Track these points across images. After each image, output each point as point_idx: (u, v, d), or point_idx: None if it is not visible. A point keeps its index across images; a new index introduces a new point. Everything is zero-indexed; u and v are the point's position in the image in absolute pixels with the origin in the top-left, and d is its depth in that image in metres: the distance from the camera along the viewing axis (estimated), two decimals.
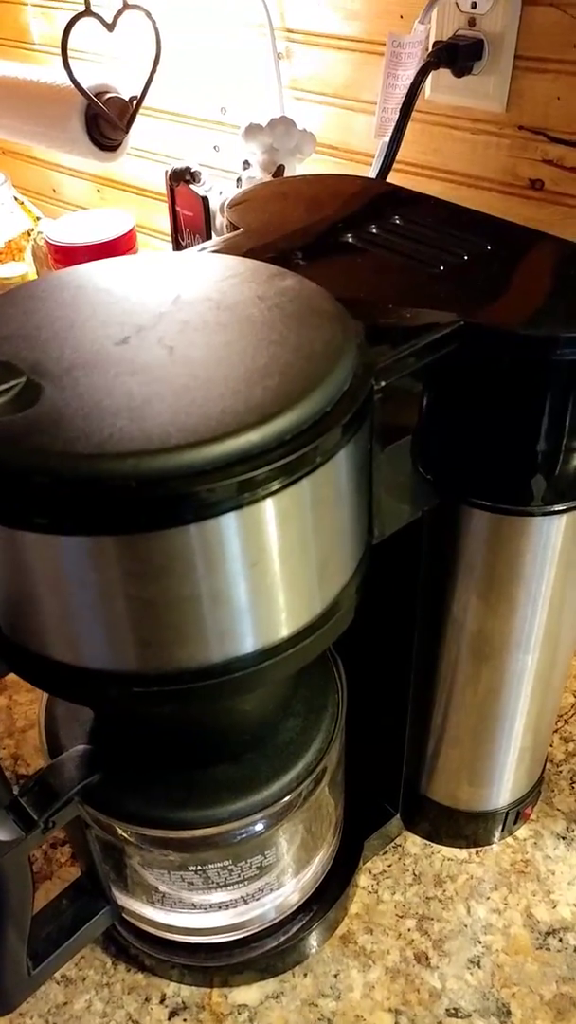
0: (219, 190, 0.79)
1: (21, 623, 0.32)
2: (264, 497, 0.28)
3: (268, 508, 0.28)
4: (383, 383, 0.32)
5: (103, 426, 0.26)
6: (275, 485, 0.28)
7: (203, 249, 0.41)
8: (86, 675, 0.31)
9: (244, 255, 0.39)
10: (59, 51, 0.69)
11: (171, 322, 0.32)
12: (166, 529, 0.27)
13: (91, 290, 0.34)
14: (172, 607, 0.29)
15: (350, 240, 0.42)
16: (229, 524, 0.28)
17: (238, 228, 0.44)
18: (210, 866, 0.42)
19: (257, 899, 0.46)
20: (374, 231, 0.43)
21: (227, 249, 0.41)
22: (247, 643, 0.31)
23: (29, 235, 1.02)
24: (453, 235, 0.42)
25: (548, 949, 0.49)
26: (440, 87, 0.71)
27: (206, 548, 0.28)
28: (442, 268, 0.39)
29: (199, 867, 0.42)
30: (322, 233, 0.43)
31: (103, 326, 0.32)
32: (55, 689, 0.36)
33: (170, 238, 0.88)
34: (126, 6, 0.70)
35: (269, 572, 0.30)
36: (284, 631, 0.32)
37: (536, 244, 0.42)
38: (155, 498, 0.26)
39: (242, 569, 0.29)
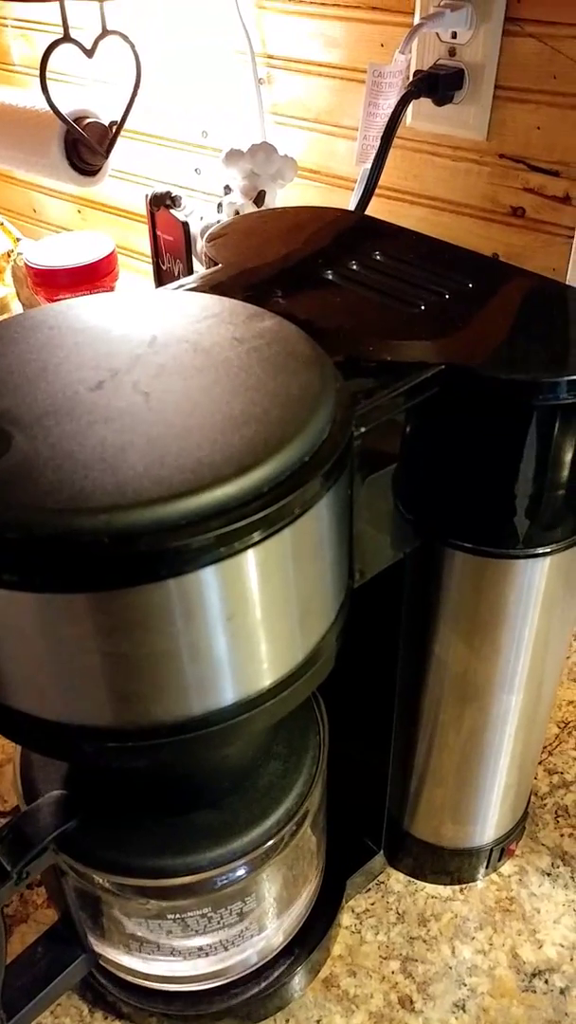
0: (200, 215, 0.79)
1: None
2: (242, 550, 0.27)
3: (246, 561, 0.28)
4: (363, 429, 0.32)
5: (75, 478, 0.26)
6: (253, 538, 0.27)
7: (181, 286, 0.41)
8: (60, 729, 0.30)
9: (223, 292, 0.38)
10: (37, 72, 0.68)
11: (147, 366, 0.31)
12: (140, 585, 0.26)
13: (66, 330, 0.34)
14: (148, 662, 0.28)
15: (330, 277, 0.42)
16: (206, 578, 0.27)
17: (217, 263, 0.43)
18: (189, 914, 0.41)
19: (237, 945, 0.45)
20: (354, 267, 0.42)
21: (206, 285, 0.41)
22: (226, 695, 0.30)
23: (9, 256, 1.01)
24: (434, 272, 0.42)
25: (534, 991, 0.48)
26: (421, 115, 0.72)
27: (182, 603, 0.27)
28: (423, 307, 0.39)
29: (178, 915, 0.41)
30: (301, 269, 0.42)
31: (77, 369, 0.31)
32: (28, 742, 0.35)
33: (151, 261, 0.88)
34: (105, 32, 0.70)
35: (248, 624, 0.29)
36: (264, 682, 0.31)
37: (518, 282, 0.41)
38: (129, 554, 0.25)
39: (220, 622, 0.29)
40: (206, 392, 0.29)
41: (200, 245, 0.78)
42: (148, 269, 0.92)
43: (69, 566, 0.25)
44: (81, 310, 0.35)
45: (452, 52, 0.68)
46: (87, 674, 0.29)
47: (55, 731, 0.31)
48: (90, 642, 0.28)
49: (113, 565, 0.25)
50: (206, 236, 0.46)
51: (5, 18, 1.01)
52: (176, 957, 0.44)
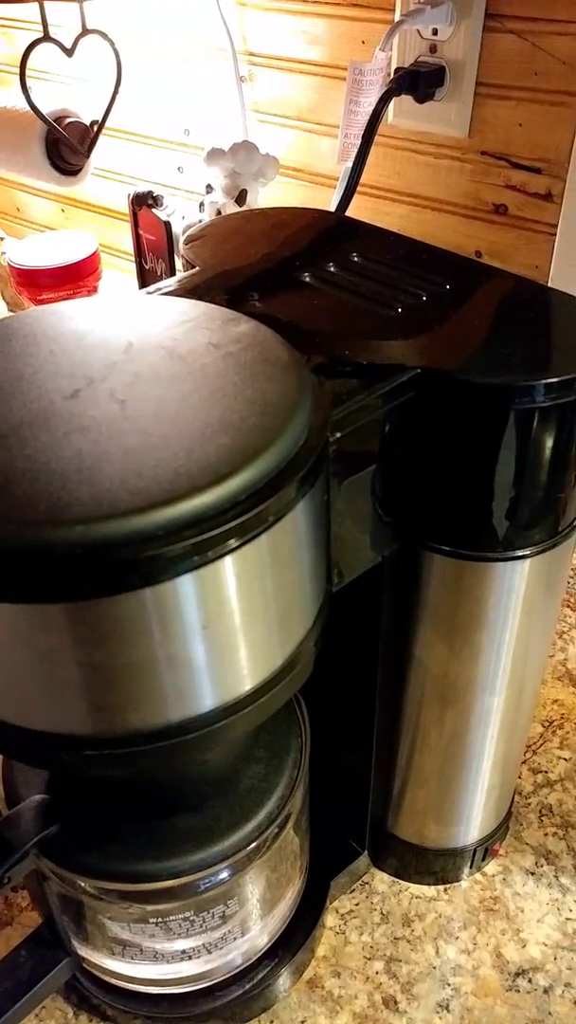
0: (182, 214, 0.79)
1: None
2: (218, 558, 0.27)
3: (223, 569, 0.28)
4: (339, 434, 0.32)
5: (51, 490, 0.26)
6: (229, 545, 0.27)
7: (159, 289, 0.41)
8: (37, 738, 0.30)
9: (201, 295, 0.38)
10: (17, 71, 0.68)
11: (122, 373, 0.31)
12: (116, 595, 0.26)
13: (41, 338, 0.33)
14: (125, 671, 0.28)
15: (307, 279, 0.41)
16: (183, 587, 0.27)
17: (195, 266, 0.43)
18: (172, 917, 0.41)
19: (221, 948, 0.45)
20: (332, 269, 0.42)
21: (183, 289, 0.41)
22: (205, 702, 0.30)
23: None
24: (412, 274, 0.42)
25: (517, 990, 0.48)
26: (402, 113, 0.72)
27: (159, 612, 0.27)
28: (400, 310, 0.39)
29: (160, 919, 0.41)
30: (279, 272, 0.42)
31: (52, 378, 0.31)
32: (6, 751, 0.35)
33: (134, 260, 0.87)
34: (85, 31, 0.69)
35: (226, 631, 0.29)
36: (243, 687, 0.31)
37: (496, 283, 0.41)
38: (104, 565, 0.25)
39: (198, 630, 0.29)
40: (183, 400, 0.29)
41: (182, 245, 0.78)
42: (131, 268, 0.91)
43: (45, 578, 0.25)
44: (57, 317, 0.35)
45: (433, 49, 0.68)
46: (64, 683, 0.29)
47: (33, 740, 0.30)
48: (66, 652, 0.28)
49: (89, 576, 0.25)
50: (184, 238, 0.46)
51: None
52: (160, 960, 0.44)
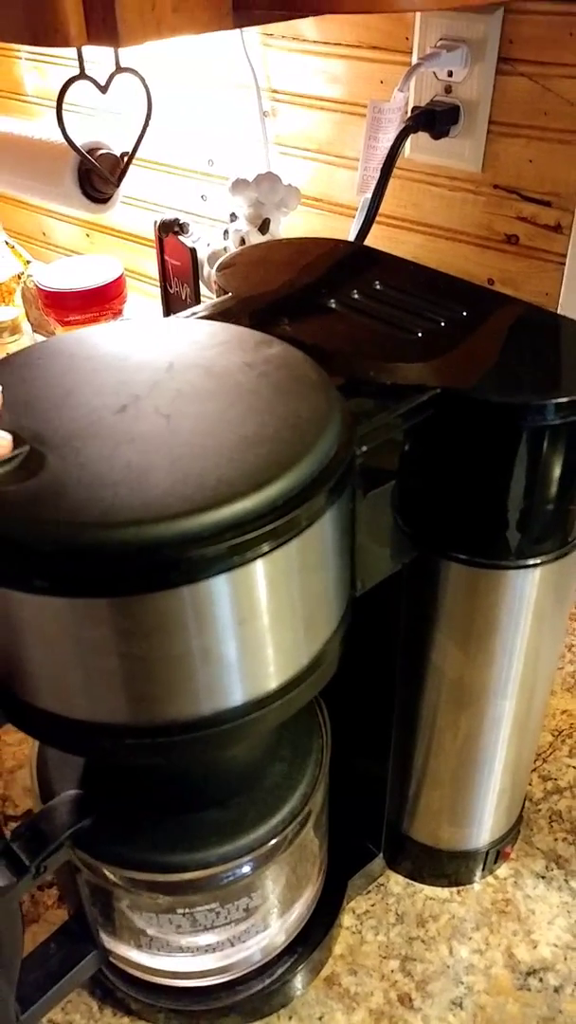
0: (206, 241, 0.82)
1: (18, 677, 0.33)
2: (253, 559, 0.29)
3: (257, 570, 0.30)
4: (364, 448, 0.34)
5: (104, 495, 0.28)
6: (264, 548, 0.29)
7: (193, 314, 0.44)
8: (80, 727, 0.33)
9: (233, 320, 0.41)
10: (51, 103, 0.72)
11: (165, 390, 0.33)
12: (161, 591, 0.29)
13: (86, 358, 0.36)
14: (164, 663, 0.31)
15: (332, 305, 0.44)
16: (220, 586, 0.29)
17: (227, 292, 0.46)
18: (198, 909, 0.43)
19: (243, 941, 0.46)
20: (355, 296, 0.45)
21: (217, 314, 0.43)
22: (236, 696, 0.33)
23: (19, 278, 1.04)
24: (430, 301, 0.44)
25: (529, 989, 0.50)
26: (419, 148, 0.75)
27: (197, 608, 0.30)
28: (420, 334, 0.41)
29: (187, 910, 0.43)
30: (306, 298, 0.45)
31: (99, 395, 0.33)
32: (50, 740, 0.37)
33: (158, 284, 0.90)
34: (119, 69, 0.73)
35: (257, 629, 0.32)
36: (271, 684, 0.34)
37: (509, 310, 0.44)
38: (153, 563, 0.28)
39: (232, 626, 0.31)
40: (221, 415, 0.32)
41: (207, 270, 0.81)
42: (155, 292, 0.95)
43: (100, 575, 0.28)
44: (100, 338, 0.38)
45: (448, 89, 0.71)
46: (108, 675, 0.31)
47: (76, 729, 0.33)
48: (113, 645, 0.30)
49: (139, 573, 0.28)
50: (216, 265, 0.49)
51: (19, 50, 1.04)
52: (184, 953, 0.46)
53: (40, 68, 1.03)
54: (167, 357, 0.36)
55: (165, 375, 0.34)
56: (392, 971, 0.51)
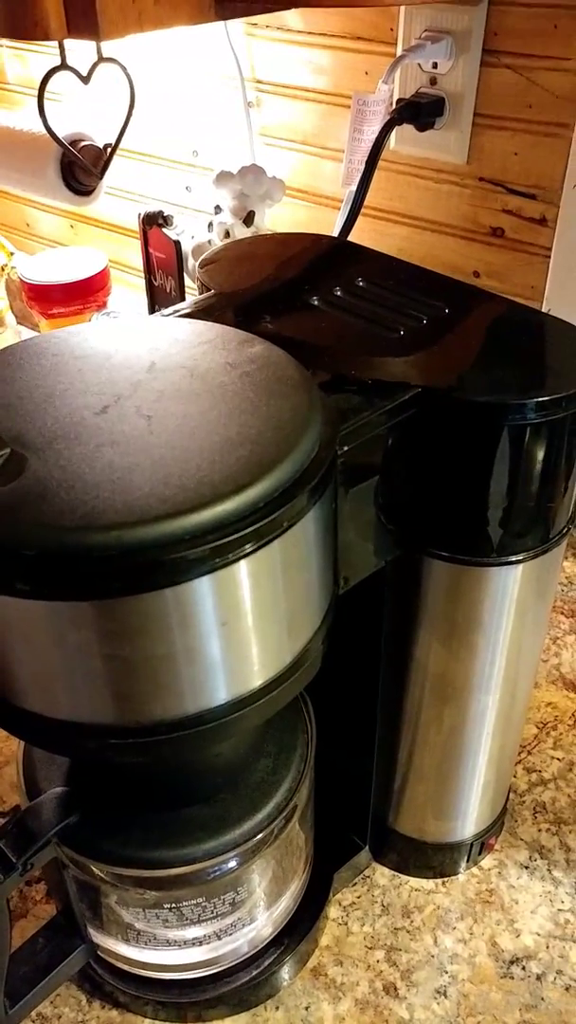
0: (191, 233, 0.82)
1: (2, 677, 0.33)
2: (235, 561, 0.29)
3: (239, 571, 0.30)
4: (346, 447, 0.35)
5: (87, 498, 0.28)
6: (247, 549, 0.29)
7: (176, 311, 0.43)
8: (66, 728, 0.33)
9: (216, 318, 0.41)
10: (32, 91, 0.71)
11: (147, 391, 0.33)
12: (144, 593, 0.29)
13: (69, 357, 0.36)
14: (148, 664, 0.31)
15: (315, 302, 0.44)
16: (202, 587, 0.30)
17: (209, 288, 0.46)
18: (184, 903, 0.44)
19: (230, 934, 0.47)
20: (338, 293, 0.45)
21: (199, 312, 0.43)
22: (220, 695, 0.33)
23: (3, 270, 1.03)
24: (413, 298, 0.44)
25: (512, 978, 0.51)
26: (404, 140, 0.75)
27: (180, 609, 0.30)
28: (402, 332, 0.41)
29: (174, 904, 0.44)
30: (289, 296, 0.45)
31: (82, 395, 0.33)
32: (35, 740, 0.37)
33: (143, 276, 0.90)
34: (101, 59, 0.72)
35: (240, 629, 0.32)
36: (255, 682, 0.34)
37: (491, 308, 0.44)
38: (135, 566, 0.28)
39: (215, 627, 0.31)
40: (204, 415, 0.32)
41: (191, 263, 0.81)
42: (140, 284, 0.94)
43: (83, 578, 0.28)
44: (83, 337, 0.38)
45: (433, 81, 0.71)
46: (92, 676, 0.31)
47: (61, 729, 0.33)
48: (97, 646, 0.30)
49: (122, 576, 0.28)
50: (199, 262, 0.49)
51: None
52: (172, 946, 0.46)
53: (21, 56, 1.02)
54: (149, 357, 0.36)
55: (147, 375, 0.34)
56: (378, 961, 0.52)
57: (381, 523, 0.40)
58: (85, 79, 0.73)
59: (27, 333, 1.05)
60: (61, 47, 0.67)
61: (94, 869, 0.42)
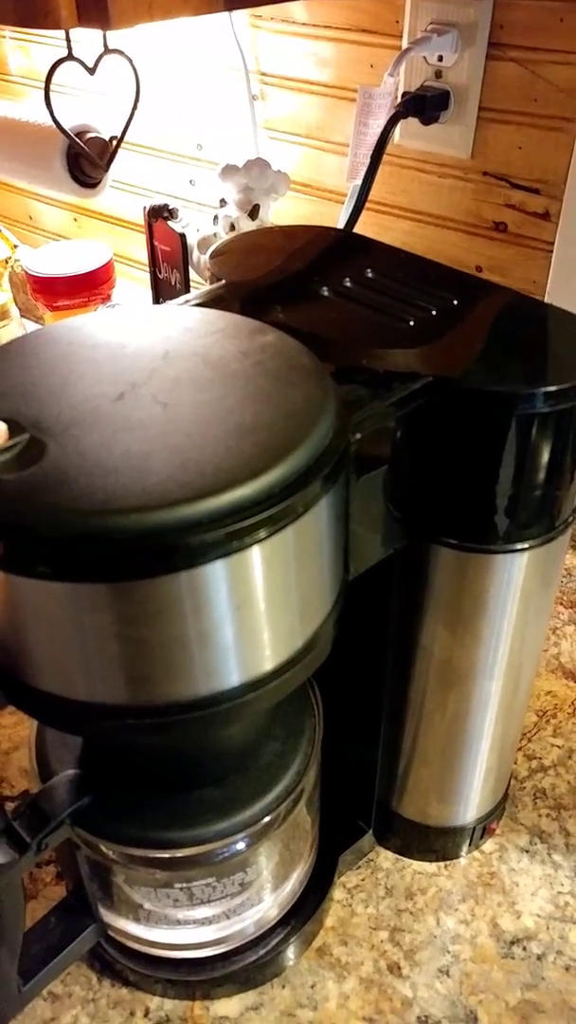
0: (196, 226, 0.82)
1: (21, 659, 0.34)
2: (251, 545, 0.30)
3: (254, 555, 0.31)
4: (358, 435, 0.35)
5: (105, 483, 0.29)
6: (261, 534, 0.30)
7: (187, 301, 0.44)
8: (82, 708, 0.33)
9: (227, 307, 0.41)
10: (36, 83, 0.71)
11: (162, 379, 0.34)
12: (163, 576, 0.29)
13: (83, 345, 0.37)
14: (163, 646, 0.31)
15: (325, 293, 0.45)
16: (218, 570, 0.30)
17: (220, 278, 0.46)
18: (195, 883, 0.44)
19: (238, 914, 0.48)
20: (347, 284, 0.46)
21: (210, 301, 0.44)
22: (232, 678, 0.34)
23: (7, 263, 1.04)
24: (422, 289, 0.45)
25: (513, 957, 0.52)
26: (409, 134, 0.75)
27: (196, 592, 0.31)
28: (411, 323, 0.42)
29: (184, 884, 0.44)
30: (299, 286, 0.46)
31: (97, 383, 0.34)
32: (52, 721, 0.38)
33: (147, 269, 0.91)
34: (107, 50, 0.72)
35: (254, 613, 0.33)
36: (267, 666, 0.34)
37: (499, 299, 0.45)
38: (153, 549, 0.28)
39: (229, 610, 0.32)
40: (218, 403, 0.33)
41: (196, 256, 0.81)
42: (144, 277, 0.95)
43: (102, 560, 0.28)
44: (96, 326, 0.38)
45: (438, 74, 0.71)
46: (109, 657, 0.32)
47: (78, 710, 0.34)
48: (114, 628, 0.31)
49: (138, 558, 0.29)
50: (210, 252, 0.49)
51: (3, 29, 1.03)
52: (181, 926, 0.47)
53: (25, 47, 1.02)
54: (163, 345, 0.36)
55: (162, 363, 0.35)
56: (381, 941, 0.53)
57: (390, 511, 0.41)
58: (91, 70, 0.74)
59: (31, 326, 1.05)
60: (68, 37, 0.68)
61: (106, 850, 0.43)
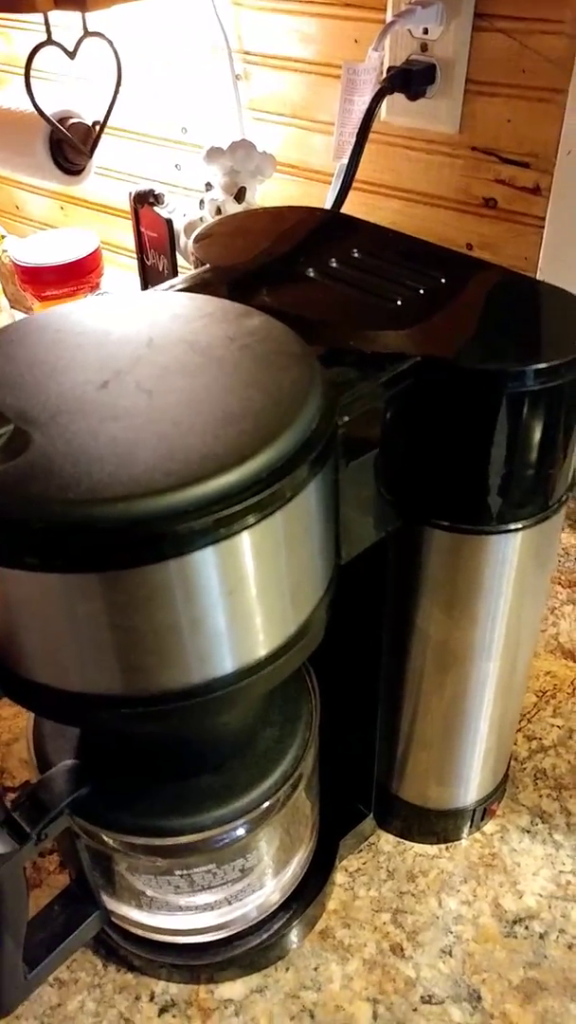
0: (182, 211, 0.81)
1: (14, 651, 0.33)
2: (239, 531, 0.30)
3: (243, 541, 0.30)
4: (346, 418, 0.35)
5: (92, 472, 0.28)
6: (250, 520, 0.30)
7: (172, 286, 0.44)
8: (76, 699, 0.33)
9: (213, 292, 0.41)
10: (17, 70, 0.70)
11: (148, 365, 0.34)
12: (152, 565, 0.29)
13: (69, 333, 0.36)
14: (156, 635, 0.31)
15: (311, 274, 0.44)
16: (207, 558, 0.30)
17: (205, 263, 0.46)
18: (195, 870, 0.45)
19: (240, 900, 0.48)
20: (334, 265, 0.45)
21: (196, 285, 0.43)
22: (226, 664, 0.33)
23: None
24: (409, 268, 0.44)
25: (515, 937, 0.52)
26: (395, 110, 0.74)
27: (186, 580, 0.30)
28: (399, 302, 0.41)
29: (184, 871, 0.45)
30: (284, 268, 0.45)
31: (83, 371, 0.34)
32: (47, 712, 0.38)
33: (135, 256, 0.90)
34: (87, 33, 0.71)
35: (245, 599, 0.32)
36: (260, 652, 0.34)
37: (488, 276, 0.44)
38: (141, 537, 0.28)
39: (220, 597, 0.32)
40: (204, 389, 0.32)
41: (183, 241, 0.81)
42: (132, 264, 0.94)
43: (90, 550, 0.28)
44: (82, 313, 0.38)
45: (424, 48, 0.70)
46: (102, 647, 0.32)
47: (72, 701, 0.33)
48: (106, 618, 0.30)
49: (129, 547, 0.28)
50: (193, 236, 0.48)
51: None
52: (183, 912, 0.47)
53: (5, 33, 1.01)
54: (149, 332, 0.36)
55: (147, 350, 0.35)
56: (384, 923, 0.53)
57: (381, 494, 0.40)
58: (71, 54, 0.73)
59: (20, 316, 1.05)
60: (47, 21, 0.67)
61: (106, 838, 0.43)
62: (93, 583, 0.30)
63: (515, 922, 0.53)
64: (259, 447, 0.30)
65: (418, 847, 0.57)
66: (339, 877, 0.56)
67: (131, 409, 0.31)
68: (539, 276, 0.74)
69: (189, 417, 0.31)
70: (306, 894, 0.52)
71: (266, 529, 0.31)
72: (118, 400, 0.32)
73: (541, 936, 0.52)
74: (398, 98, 0.72)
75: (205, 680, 0.33)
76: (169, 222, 0.79)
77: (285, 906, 0.51)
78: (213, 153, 0.77)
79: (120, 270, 1.09)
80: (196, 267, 0.46)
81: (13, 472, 0.29)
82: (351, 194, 0.74)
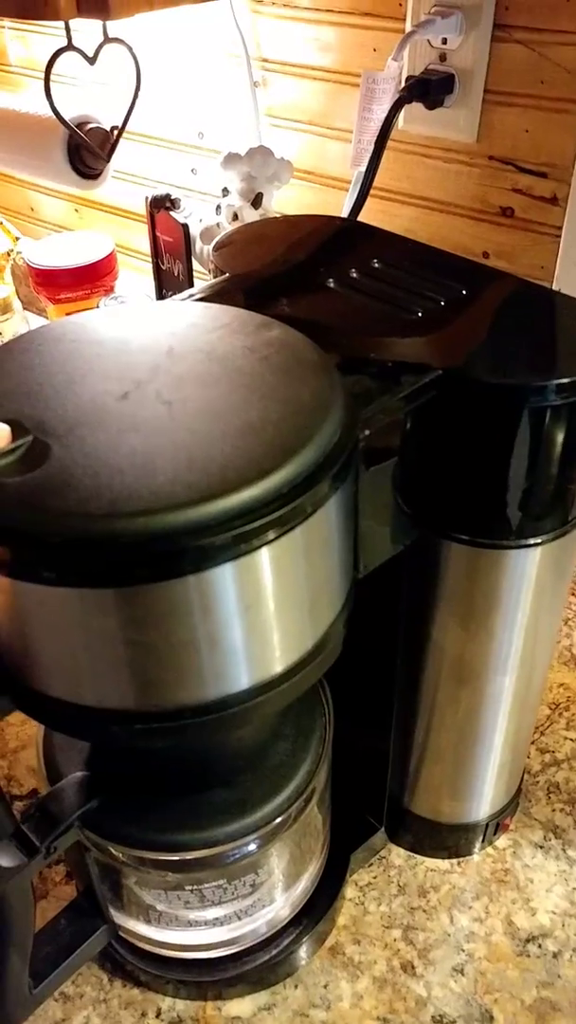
0: (198, 216, 0.81)
1: (28, 664, 0.33)
2: (259, 547, 0.29)
3: (262, 557, 0.30)
4: (367, 431, 0.34)
5: (111, 484, 0.28)
6: (270, 535, 0.29)
7: (191, 295, 0.43)
8: (90, 713, 0.33)
9: (231, 301, 0.41)
10: (36, 73, 0.70)
11: (167, 376, 0.33)
12: (169, 580, 0.29)
13: (87, 343, 0.36)
14: (172, 650, 0.31)
15: (331, 284, 0.44)
16: (227, 573, 0.30)
17: (224, 272, 0.46)
18: (205, 885, 0.44)
19: (250, 915, 0.47)
20: (354, 275, 0.45)
21: (215, 295, 0.43)
22: (242, 681, 0.33)
23: (8, 255, 1.03)
24: (429, 279, 0.44)
25: (528, 955, 0.51)
26: (413, 119, 0.74)
27: (204, 595, 0.30)
28: (420, 314, 0.41)
29: (195, 886, 0.44)
30: (304, 278, 0.45)
31: (102, 381, 0.33)
32: (61, 726, 0.38)
33: (150, 260, 0.89)
34: (107, 39, 0.71)
35: (263, 614, 0.32)
36: (277, 668, 0.34)
37: (508, 288, 0.44)
38: (160, 552, 0.28)
39: (238, 613, 0.31)
40: (224, 400, 0.32)
41: (199, 246, 0.80)
42: (146, 268, 0.93)
43: (109, 565, 0.28)
44: (100, 323, 0.37)
45: (443, 57, 0.70)
46: (117, 662, 0.31)
47: (87, 715, 0.33)
48: (122, 633, 0.30)
49: (149, 563, 0.28)
50: (213, 245, 0.48)
51: (2, 20, 1.02)
52: (192, 927, 0.47)
53: (24, 38, 1.01)
54: (167, 342, 0.36)
55: (166, 360, 0.34)
56: (395, 940, 0.52)
57: (399, 507, 0.40)
58: (91, 60, 0.72)
59: (34, 318, 1.04)
60: (67, 27, 0.67)
61: (116, 852, 0.42)
62: (110, 598, 0.29)
63: (528, 940, 0.52)
64: (281, 460, 0.29)
65: (429, 862, 0.57)
66: (350, 892, 0.55)
67: (151, 420, 0.31)
68: (555, 285, 0.73)
69: (209, 428, 0.30)
70: (316, 909, 0.52)
71: (286, 544, 0.30)
72: (138, 411, 0.31)
73: (555, 955, 0.51)
74: (416, 107, 0.72)
75: (221, 696, 0.33)
76: (185, 227, 0.79)
77: (295, 921, 0.51)
78: (231, 159, 0.76)
79: (135, 273, 1.08)
80: (215, 275, 0.46)
81: (31, 484, 0.28)
82: (368, 201, 0.73)
